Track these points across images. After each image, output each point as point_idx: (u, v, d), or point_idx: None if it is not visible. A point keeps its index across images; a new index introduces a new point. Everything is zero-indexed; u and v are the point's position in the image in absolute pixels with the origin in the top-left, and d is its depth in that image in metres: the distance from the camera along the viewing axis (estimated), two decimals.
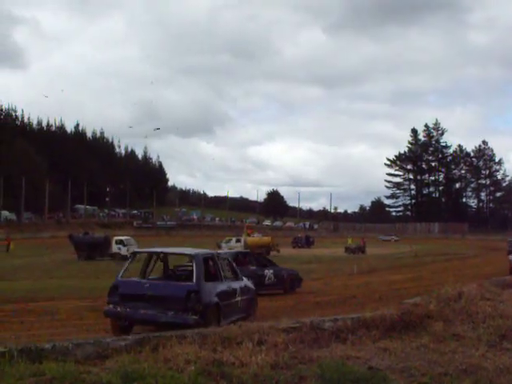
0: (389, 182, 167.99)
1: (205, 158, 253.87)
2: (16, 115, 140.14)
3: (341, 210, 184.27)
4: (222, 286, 15.20)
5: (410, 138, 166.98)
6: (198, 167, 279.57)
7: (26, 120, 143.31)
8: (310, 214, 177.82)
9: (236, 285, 16.13)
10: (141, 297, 14.07)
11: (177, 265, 17.82)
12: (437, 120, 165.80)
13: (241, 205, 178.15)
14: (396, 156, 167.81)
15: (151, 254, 16.38)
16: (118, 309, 14.31)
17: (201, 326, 11.46)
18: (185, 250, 17.21)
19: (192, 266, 14.94)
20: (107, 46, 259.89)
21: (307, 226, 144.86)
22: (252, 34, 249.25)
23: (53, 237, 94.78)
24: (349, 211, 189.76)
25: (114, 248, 59.77)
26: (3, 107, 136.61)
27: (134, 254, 16.78)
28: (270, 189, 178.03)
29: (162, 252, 16.56)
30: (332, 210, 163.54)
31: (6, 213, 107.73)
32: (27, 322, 18.22)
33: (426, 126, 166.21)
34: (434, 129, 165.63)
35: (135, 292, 14.34)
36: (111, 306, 14.62)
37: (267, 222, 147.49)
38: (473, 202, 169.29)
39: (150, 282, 14.73)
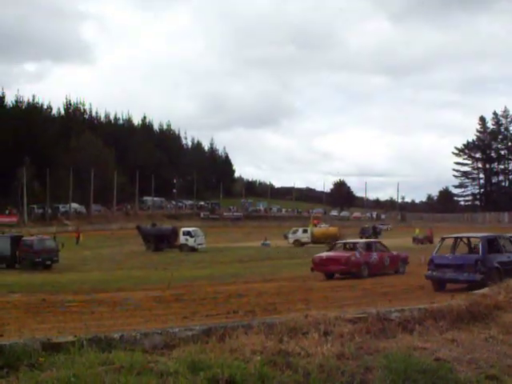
0: (457, 171, 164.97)
1: (271, 149, 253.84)
2: (84, 109, 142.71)
3: (408, 199, 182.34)
4: (502, 257, 22.49)
5: (478, 127, 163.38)
6: (264, 158, 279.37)
7: (93, 114, 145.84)
8: (376, 204, 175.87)
9: None
10: (447, 265, 22.64)
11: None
12: (506, 107, 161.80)
13: (307, 195, 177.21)
14: (464, 145, 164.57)
15: (456, 238, 24.58)
16: (434, 273, 22.92)
17: (485, 283, 16.56)
18: (476, 235, 26.17)
19: (479, 244, 22.77)
20: (173, 40, 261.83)
21: (374, 216, 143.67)
22: (317, 24, 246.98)
23: (121, 228, 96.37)
24: (416, 201, 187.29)
25: (182, 239, 60.37)
26: (72, 101, 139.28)
27: (443, 239, 24.42)
28: (336, 179, 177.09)
29: (461, 236, 25.43)
30: (399, 200, 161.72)
31: (75, 205, 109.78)
32: (97, 312, 18.57)
33: (495, 113, 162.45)
34: (502, 116, 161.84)
35: (443, 262, 22.86)
36: (429, 272, 23.14)
37: (334, 213, 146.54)
38: None
39: (452, 256, 23.39)
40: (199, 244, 60.30)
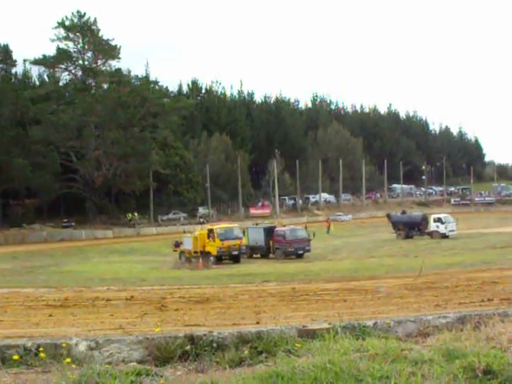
0: None
1: None
2: (330, 100, 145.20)
3: None
4: None
5: None
6: None
7: (340, 105, 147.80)
8: None
9: None
10: None
11: None
12: None
13: None
14: None
15: None
16: None
17: None
18: None
19: None
20: None
21: None
22: None
23: (371, 217, 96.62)
24: None
25: (432, 226, 59.14)
26: (318, 94, 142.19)
27: None
28: None
29: None
30: None
31: (325, 195, 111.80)
32: (350, 300, 18.72)
33: None
34: None
35: None
36: None
37: None
38: None
39: None
40: (450, 230, 58.76)
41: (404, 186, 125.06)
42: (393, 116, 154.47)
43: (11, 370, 5.96)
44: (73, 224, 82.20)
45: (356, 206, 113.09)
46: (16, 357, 6.21)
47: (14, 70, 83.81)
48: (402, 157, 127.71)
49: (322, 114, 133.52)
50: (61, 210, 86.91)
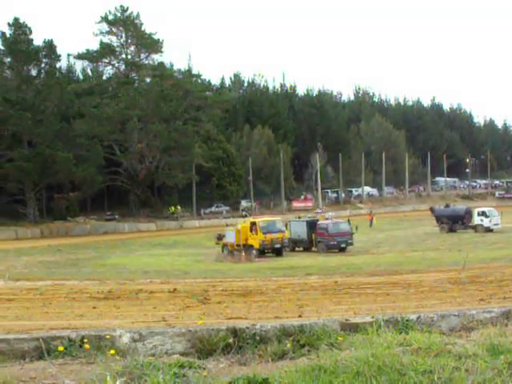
0: None
1: None
2: (373, 93, 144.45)
3: None
4: None
5: None
6: None
7: (383, 97, 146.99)
8: None
9: None
10: None
11: None
12: None
13: None
14: None
15: None
16: None
17: None
18: None
19: None
20: None
21: None
22: None
23: (414, 210, 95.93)
24: None
25: (476, 220, 58.49)
26: (361, 86, 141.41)
27: None
28: None
29: None
30: None
31: (368, 188, 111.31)
32: (392, 293, 18.66)
33: None
34: None
35: None
36: None
37: None
38: None
39: None
40: (495, 224, 58.05)
41: (448, 179, 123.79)
42: (436, 108, 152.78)
43: (56, 361, 6.05)
44: (116, 217, 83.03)
45: (399, 199, 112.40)
46: (61, 348, 6.31)
47: (58, 65, 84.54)
48: (446, 150, 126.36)
49: (364, 106, 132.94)
50: (104, 203, 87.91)
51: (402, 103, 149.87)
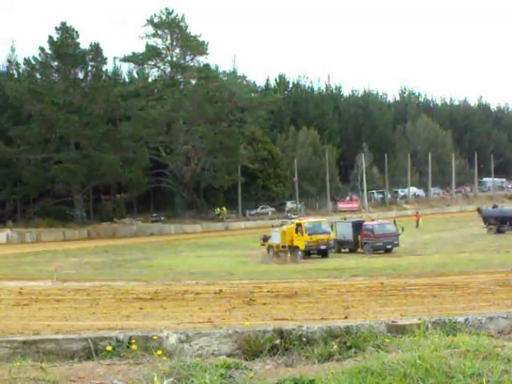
0: None
1: None
2: (419, 93, 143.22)
3: None
4: None
5: None
6: None
7: (429, 97, 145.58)
8: None
9: None
10: None
11: None
12: None
13: None
14: None
15: None
16: None
17: None
18: None
19: None
20: None
21: None
22: None
23: (461, 211, 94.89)
24: None
25: None
26: (406, 87, 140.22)
27: None
28: None
29: None
30: None
31: (414, 189, 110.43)
32: (439, 295, 18.50)
33: None
34: None
35: None
36: None
37: None
38: None
39: None
40: None
41: (495, 179, 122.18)
42: (483, 108, 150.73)
43: (104, 361, 6.13)
44: (162, 218, 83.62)
45: (446, 200, 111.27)
46: (109, 348, 6.39)
47: (104, 68, 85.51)
48: (494, 149, 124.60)
49: (410, 106, 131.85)
50: (150, 204, 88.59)
51: (449, 103, 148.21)
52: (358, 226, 48.41)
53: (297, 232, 46.41)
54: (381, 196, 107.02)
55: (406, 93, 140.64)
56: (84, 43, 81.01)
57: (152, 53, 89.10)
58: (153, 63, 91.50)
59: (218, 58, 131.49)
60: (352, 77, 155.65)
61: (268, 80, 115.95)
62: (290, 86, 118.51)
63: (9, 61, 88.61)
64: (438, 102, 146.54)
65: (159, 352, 6.18)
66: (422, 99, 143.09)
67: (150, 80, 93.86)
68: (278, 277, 28.69)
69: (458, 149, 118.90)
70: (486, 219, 60.01)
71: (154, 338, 6.61)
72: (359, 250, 47.51)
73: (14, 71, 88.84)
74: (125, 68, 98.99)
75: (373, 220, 54.00)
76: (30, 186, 75.33)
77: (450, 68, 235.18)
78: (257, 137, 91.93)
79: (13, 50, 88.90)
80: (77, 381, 5.48)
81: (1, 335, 9.31)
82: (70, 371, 5.76)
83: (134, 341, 6.51)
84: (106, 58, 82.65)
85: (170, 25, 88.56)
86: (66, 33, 77.59)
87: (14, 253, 51.33)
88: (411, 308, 15.52)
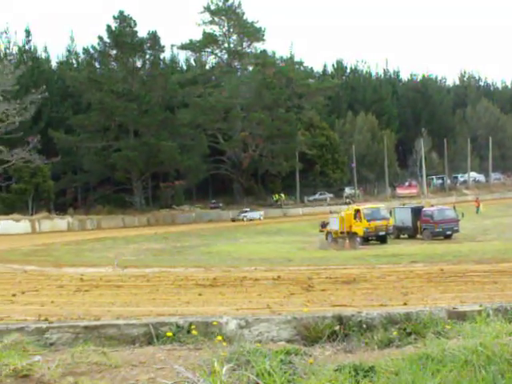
0: None
1: None
2: (479, 77, 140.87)
3: None
4: None
5: None
6: None
7: (489, 81, 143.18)
8: None
9: None
10: None
11: None
12: None
13: None
14: None
15: None
16: None
17: None
18: None
19: None
20: None
21: None
22: None
23: None
24: None
25: None
26: (467, 71, 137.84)
27: None
28: None
29: None
30: None
31: (474, 174, 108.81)
32: (500, 282, 18.23)
33: None
34: None
35: None
36: None
37: None
38: None
39: None
40: None
41: None
42: None
43: (165, 347, 6.21)
44: (220, 205, 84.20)
45: (507, 185, 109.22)
46: (169, 334, 6.46)
47: (162, 56, 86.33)
48: None
49: (470, 90, 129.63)
50: (209, 191, 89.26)
51: (510, 87, 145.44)
52: (417, 212, 47.89)
53: (355, 218, 46.19)
54: (440, 181, 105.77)
55: (466, 76, 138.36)
56: (142, 32, 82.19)
57: (209, 40, 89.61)
58: (210, 50, 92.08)
59: (275, 45, 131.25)
60: (410, 61, 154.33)
61: (325, 66, 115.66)
62: (348, 71, 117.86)
63: (68, 51, 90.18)
64: (499, 85, 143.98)
65: (219, 338, 6.23)
66: (482, 83, 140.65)
67: (207, 67, 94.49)
68: (336, 263, 28.59)
69: None
70: None
71: (214, 323, 6.66)
72: (418, 236, 47.04)
73: (74, 61, 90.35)
74: (182, 55, 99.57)
75: (432, 206, 53.38)
76: (90, 173, 76.76)
77: (510, 50, 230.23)
78: (314, 123, 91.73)
79: (72, 39, 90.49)
80: (138, 365, 5.56)
81: (63, 320, 9.50)
82: (131, 356, 5.85)
83: (193, 326, 6.57)
84: (163, 46, 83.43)
85: (226, 11, 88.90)
86: (124, 22, 78.47)
87: (75, 240, 52.24)
88: (471, 294, 15.33)
